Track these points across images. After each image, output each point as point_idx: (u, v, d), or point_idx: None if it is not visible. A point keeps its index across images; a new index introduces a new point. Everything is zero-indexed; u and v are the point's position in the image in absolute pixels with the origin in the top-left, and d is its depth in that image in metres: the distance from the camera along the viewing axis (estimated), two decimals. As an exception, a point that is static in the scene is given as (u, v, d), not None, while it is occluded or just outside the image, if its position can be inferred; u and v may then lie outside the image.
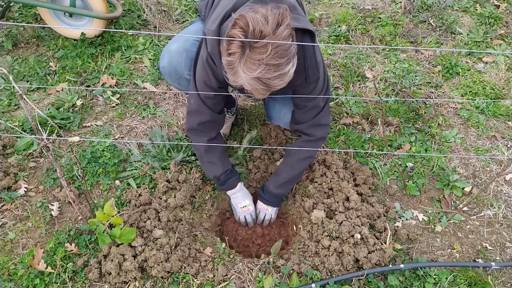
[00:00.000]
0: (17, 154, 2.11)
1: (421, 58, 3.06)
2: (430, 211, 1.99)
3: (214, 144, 1.73)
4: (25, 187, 1.95)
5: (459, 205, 2.03)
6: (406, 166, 2.22)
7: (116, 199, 1.93)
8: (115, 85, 2.59)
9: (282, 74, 1.19)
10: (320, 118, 1.68)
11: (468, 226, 1.95)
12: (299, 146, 1.79)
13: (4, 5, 2.86)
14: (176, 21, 3.19)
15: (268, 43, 1.11)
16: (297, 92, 1.58)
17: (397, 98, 2.64)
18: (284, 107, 1.84)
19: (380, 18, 3.42)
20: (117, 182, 2.02)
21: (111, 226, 1.63)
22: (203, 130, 1.71)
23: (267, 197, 1.91)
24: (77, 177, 2.01)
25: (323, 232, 1.76)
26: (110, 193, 1.98)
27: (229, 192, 1.90)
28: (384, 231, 1.82)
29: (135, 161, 2.11)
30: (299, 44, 1.26)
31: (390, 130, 2.43)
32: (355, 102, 2.55)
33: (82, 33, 2.81)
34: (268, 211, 1.94)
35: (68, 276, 1.63)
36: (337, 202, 1.88)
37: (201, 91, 1.59)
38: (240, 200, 1.91)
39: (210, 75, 1.51)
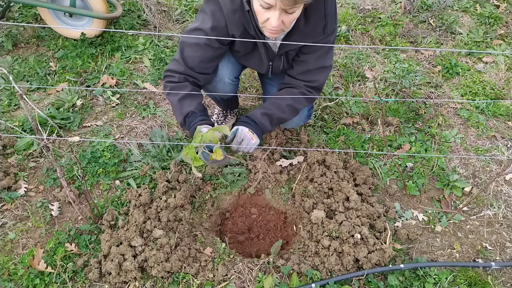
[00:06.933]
0: (17, 154, 2.11)
1: (421, 58, 3.06)
2: (430, 211, 1.99)
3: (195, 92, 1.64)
4: (25, 187, 1.95)
5: (459, 205, 2.03)
6: (406, 166, 2.22)
7: (116, 199, 1.93)
8: (115, 85, 2.59)
9: None
10: (324, 60, 1.68)
11: (468, 226, 1.95)
12: (292, 94, 1.70)
13: (4, 5, 2.86)
14: (176, 21, 3.19)
15: None
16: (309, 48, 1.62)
17: (397, 99, 2.64)
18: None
19: (380, 18, 3.42)
20: (117, 182, 2.02)
21: None
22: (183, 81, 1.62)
23: (254, 125, 1.67)
24: (77, 177, 2.01)
25: (323, 232, 1.76)
26: (110, 193, 1.98)
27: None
28: (384, 231, 1.82)
29: (135, 161, 2.11)
30: None
31: (390, 130, 2.43)
32: (355, 102, 2.55)
33: (82, 33, 2.81)
34: (253, 142, 1.64)
35: (68, 276, 1.63)
36: (337, 202, 1.88)
37: (205, 39, 1.53)
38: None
39: (225, 18, 1.48)
